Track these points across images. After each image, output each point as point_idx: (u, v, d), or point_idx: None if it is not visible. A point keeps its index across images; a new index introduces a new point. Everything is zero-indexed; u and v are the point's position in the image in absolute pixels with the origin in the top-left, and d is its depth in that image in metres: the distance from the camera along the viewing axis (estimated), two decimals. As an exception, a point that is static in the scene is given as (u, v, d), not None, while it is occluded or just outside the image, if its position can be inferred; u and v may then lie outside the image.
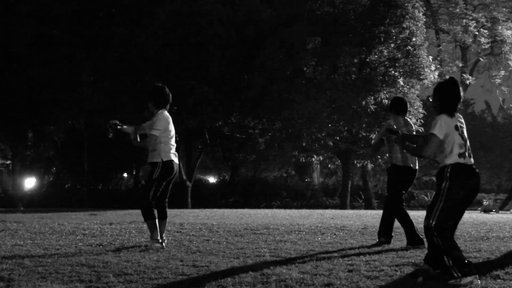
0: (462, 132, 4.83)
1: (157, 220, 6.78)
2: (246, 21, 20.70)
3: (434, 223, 4.65)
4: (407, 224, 6.96)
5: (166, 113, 6.93)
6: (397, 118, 7.12)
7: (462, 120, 4.94)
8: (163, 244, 6.70)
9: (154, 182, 6.79)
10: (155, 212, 6.83)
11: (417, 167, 7.21)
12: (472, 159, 4.85)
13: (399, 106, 7.25)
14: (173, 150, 6.89)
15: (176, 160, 6.94)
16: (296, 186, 29.78)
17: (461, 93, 4.92)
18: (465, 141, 4.82)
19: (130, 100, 20.28)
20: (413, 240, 6.83)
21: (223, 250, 6.39)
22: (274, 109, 21.59)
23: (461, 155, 4.75)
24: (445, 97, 4.88)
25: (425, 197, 30.48)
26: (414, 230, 6.92)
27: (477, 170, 4.89)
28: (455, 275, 4.50)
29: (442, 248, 4.61)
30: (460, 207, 4.80)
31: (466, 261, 4.57)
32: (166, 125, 6.81)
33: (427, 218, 4.75)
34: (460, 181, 4.71)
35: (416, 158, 6.97)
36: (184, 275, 4.69)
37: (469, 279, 4.46)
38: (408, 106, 7.17)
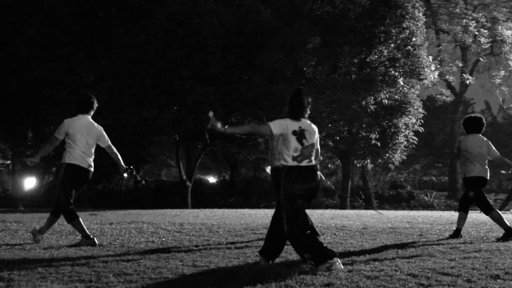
0: (302, 136, 5.21)
1: (80, 219, 7.04)
2: (246, 21, 20.68)
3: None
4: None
5: (79, 119, 7.15)
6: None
7: (312, 127, 5.37)
8: (95, 239, 7.00)
9: (61, 184, 7.02)
10: (74, 211, 7.06)
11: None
12: (308, 162, 5.24)
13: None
14: (79, 154, 7.05)
15: (84, 165, 7.08)
16: (296, 186, 29.72)
17: (306, 101, 5.39)
18: (304, 146, 5.22)
19: (130, 100, 20.25)
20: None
21: (223, 250, 6.39)
22: (274, 109, 21.56)
23: (295, 158, 5.17)
24: (291, 104, 5.36)
25: (425, 197, 30.46)
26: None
27: (316, 171, 5.32)
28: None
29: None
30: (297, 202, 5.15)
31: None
32: (68, 130, 7.07)
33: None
34: (292, 183, 5.13)
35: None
36: (184, 275, 4.69)
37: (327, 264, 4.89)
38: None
